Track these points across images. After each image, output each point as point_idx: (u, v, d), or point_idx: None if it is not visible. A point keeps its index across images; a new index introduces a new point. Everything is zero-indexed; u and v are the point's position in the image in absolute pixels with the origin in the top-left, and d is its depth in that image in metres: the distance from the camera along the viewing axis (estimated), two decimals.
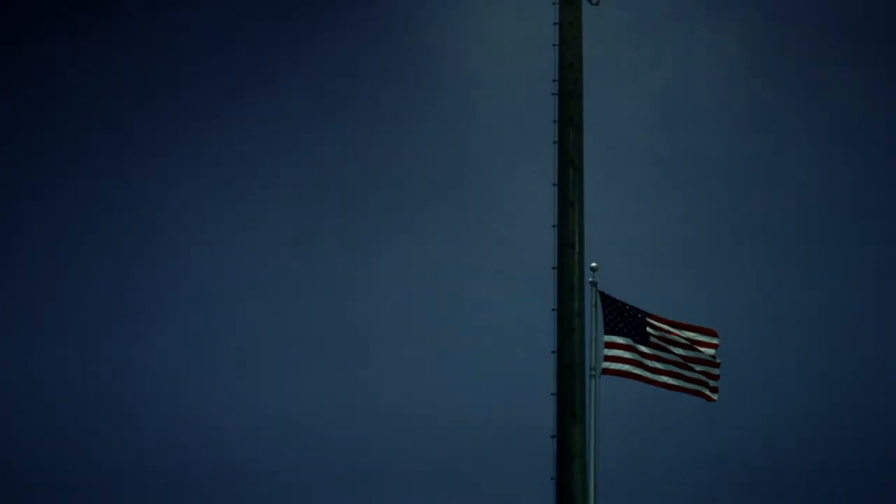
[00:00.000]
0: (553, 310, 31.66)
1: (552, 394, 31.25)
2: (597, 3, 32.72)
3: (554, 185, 32.17)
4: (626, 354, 31.54)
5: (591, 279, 31.72)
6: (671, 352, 31.60)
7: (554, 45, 32.57)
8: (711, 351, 31.88)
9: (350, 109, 50.96)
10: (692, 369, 31.63)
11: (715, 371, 31.76)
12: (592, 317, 31.57)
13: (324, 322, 48.58)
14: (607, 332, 31.54)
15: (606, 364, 31.42)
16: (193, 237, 49.83)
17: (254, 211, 50.42)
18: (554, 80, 32.49)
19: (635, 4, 47.09)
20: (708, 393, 31.71)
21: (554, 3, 32.67)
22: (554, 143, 32.27)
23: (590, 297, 31.68)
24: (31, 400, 47.76)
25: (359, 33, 51.36)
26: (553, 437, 31.08)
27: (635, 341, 31.53)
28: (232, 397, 47.47)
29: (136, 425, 47.43)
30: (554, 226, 32.01)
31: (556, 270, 31.73)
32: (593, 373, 31.31)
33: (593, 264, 31.74)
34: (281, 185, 50.79)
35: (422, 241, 48.95)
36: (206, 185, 50.53)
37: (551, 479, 30.93)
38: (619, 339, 31.50)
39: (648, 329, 31.56)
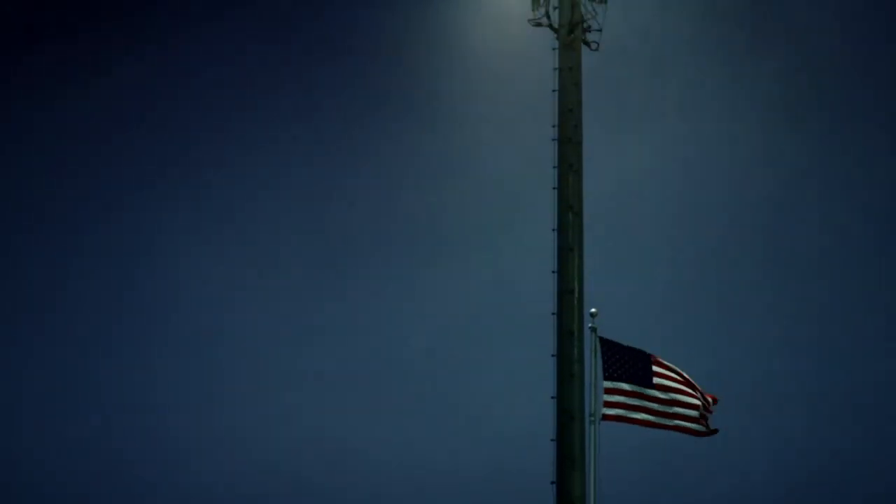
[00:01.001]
0: (552, 355, 31.61)
1: (552, 440, 31.17)
2: (596, 49, 32.81)
3: (553, 230, 32.18)
4: (626, 400, 31.42)
5: (590, 325, 31.66)
6: (672, 390, 31.52)
7: (553, 90, 32.65)
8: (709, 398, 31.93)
9: (352, 156, 51.20)
10: (692, 406, 31.56)
11: (708, 414, 31.77)
12: (592, 362, 31.51)
13: (331, 371, 48.70)
14: (607, 378, 31.43)
15: (606, 410, 31.29)
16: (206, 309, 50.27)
17: (259, 263, 50.64)
18: (553, 126, 32.55)
19: (636, 51, 47.21)
20: (703, 429, 31.67)
21: (553, 49, 32.76)
22: (553, 188, 32.29)
23: (589, 342, 31.61)
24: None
25: (361, 81, 51.61)
26: (552, 483, 30.99)
27: (636, 384, 31.42)
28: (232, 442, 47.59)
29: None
30: (554, 271, 32.00)
31: (555, 316, 31.69)
32: (593, 419, 31.19)
33: (593, 310, 31.68)
34: (285, 241, 50.99)
35: (422, 286, 49.03)
36: (218, 249, 50.93)
37: None
38: (619, 385, 31.39)
39: (653, 367, 31.48)
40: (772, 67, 51.05)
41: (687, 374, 31.92)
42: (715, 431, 31.87)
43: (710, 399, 31.91)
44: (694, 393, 31.64)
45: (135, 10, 53.31)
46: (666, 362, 31.75)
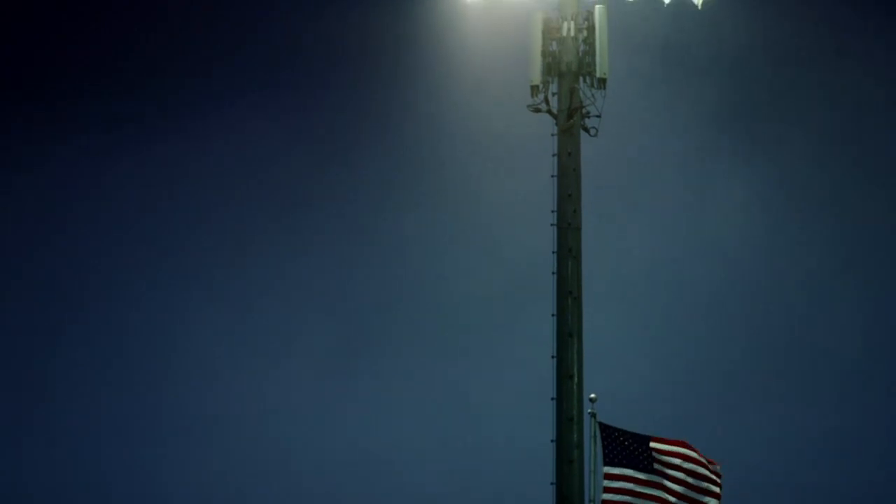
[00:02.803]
0: (552, 440, 31.50)
1: None
2: (595, 135, 32.94)
3: (553, 315, 32.18)
4: (626, 485, 31.25)
5: (589, 410, 31.56)
6: (673, 475, 31.37)
7: (552, 175, 32.75)
8: (714, 467, 31.71)
9: (365, 245, 51.48)
10: (695, 488, 31.38)
11: (716, 489, 31.57)
12: (591, 448, 31.36)
13: (340, 448, 48.74)
14: (606, 464, 31.26)
15: (606, 496, 31.09)
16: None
17: (279, 341, 50.80)
18: (553, 211, 32.63)
19: (635, 136, 47.44)
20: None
21: (552, 135, 32.89)
22: (553, 273, 32.33)
23: (589, 428, 31.49)
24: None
25: (375, 167, 51.90)
26: None
27: (637, 469, 31.26)
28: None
29: None
30: (553, 356, 31.97)
31: (555, 401, 31.61)
32: None
33: (592, 395, 31.58)
34: (304, 321, 51.14)
35: (422, 373, 49.06)
36: (235, 316, 51.08)
37: None
38: (619, 471, 31.22)
39: (653, 452, 31.32)
40: (772, 147, 51.40)
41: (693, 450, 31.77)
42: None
43: (716, 467, 31.69)
44: (698, 469, 31.45)
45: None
46: (667, 443, 31.56)
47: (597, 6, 33.08)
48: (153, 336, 51.15)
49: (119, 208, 52.90)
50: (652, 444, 31.44)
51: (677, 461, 31.49)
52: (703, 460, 31.63)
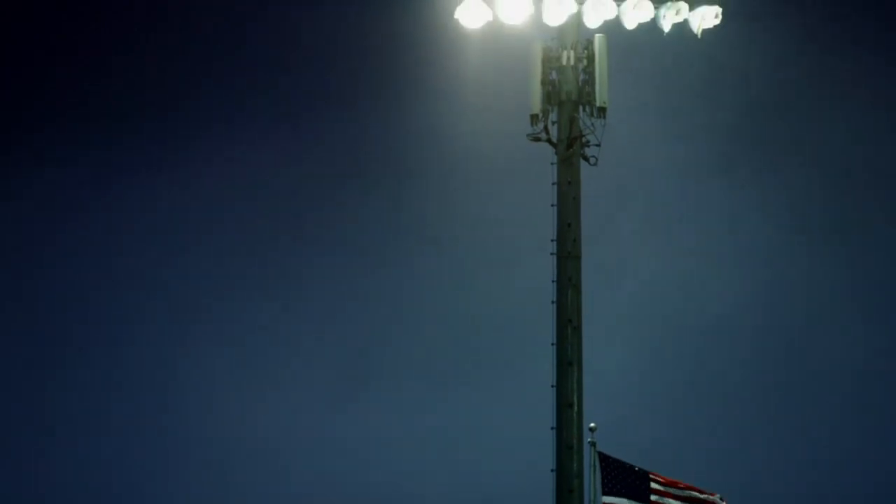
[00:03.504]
0: (552, 470, 31.42)
1: None
2: (595, 164, 32.92)
3: (553, 344, 32.12)
4: None
5: (589, 439, 31.52)
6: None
7: (552, 205, 32.72)
8: (714, 497, 31.66)
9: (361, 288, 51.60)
10: None
11: None
12: (591, 477, 31.31)
13: (340, 476, 48.74)
14: (605, 493, 31.22)
15: None
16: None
17: (281, 370, 50.91)
18: (552, 241, 32.60)
19: (636, 163, 47.52)
20: None
21: (552, 164, 32.88)
22: (552, 302, 32.28)
23: (589, 457, 31.45)
24: None
25: (377, 197, 52.02)
26: None
27: (635, 500, 31.21)
28: None
29: None
30: (553, 385, 31.91)
31: (554, 431, 31.54)
32: None
33: (592, 424, 31.55)
34: (306, 350, 51.22)
35: (421, 403, 49.08)
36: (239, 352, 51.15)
37: None
38: (618, 500, 31.18)
39: (652, 484, 31.27)
40: (774, 172, 51.43)
41: (692, 488, 31.71)
42: None
43: (716, 497, 31.63)
44: (698, 496, 31.39)
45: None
46: (666, 481, 31.52)
47: (596, 35, 33.11)
48: (154, 366, 51.24)
49: (119, 235, 53.02)
50: (651, 476, 31.41)
51: (676, 491, 31.44)
52: (704, 493, 31.58)
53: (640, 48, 33.90)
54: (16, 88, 54.06)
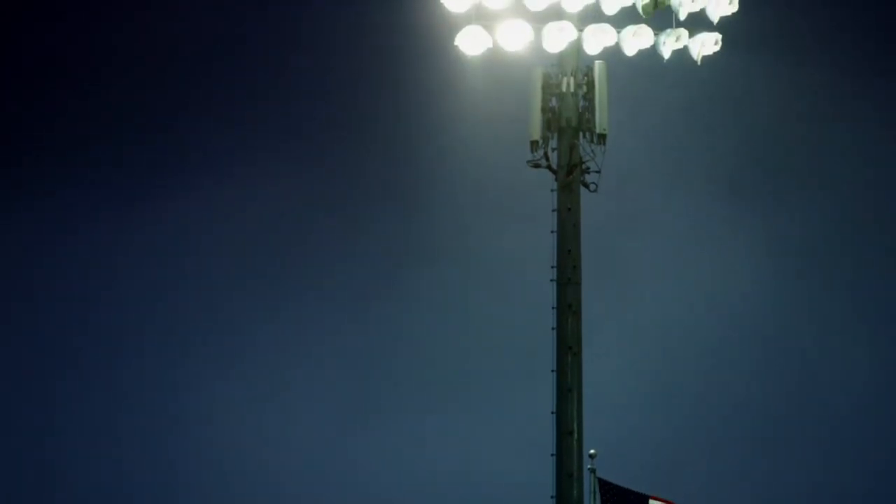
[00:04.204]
0: (552, 497, 31.37)
1: None
2: (595, 191, 32.94)
3: (552, 371, 32.09)
4: None
5: (589, 466, 31.48)
6: None
7: (552, 231, 32.73)
8: None
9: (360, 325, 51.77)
10: None
11: None
12: None
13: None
14: None
15: None
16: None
17: (288, 397, 51.01)
18: (552, 267, 32.58)
19: (637, 191, 47.57)
20: None
21: (552, 191, 32.89)
22: (552, 329, 32.25)
23: (589, 484, 31.40)
24: None
25: (376, 240, 52.14)
26: None
27: None
28: None
29: None
30: (553, 412, 31.86)
31: (554, 457, 31.49)
32: None
33: (591, 451, 31.51)
34: (310, 378, 51.28)
35: (420, 429, 49.09)
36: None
37: None
38: None
39: None
40: (776, 201, 51.47)
41: None
42: None
43: None
44: None
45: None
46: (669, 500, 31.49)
47: (596, 62, 33.17)
48: (162, 394, 51.24)
49: (122, 251, 53.07)
50: (651, 499, 31.35)
51: None
52: None
53: (640, 74, 33.96)
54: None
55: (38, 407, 51.14)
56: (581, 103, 33.17)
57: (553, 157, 33.04)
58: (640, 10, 32.87)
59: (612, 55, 32.96)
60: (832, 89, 52.02)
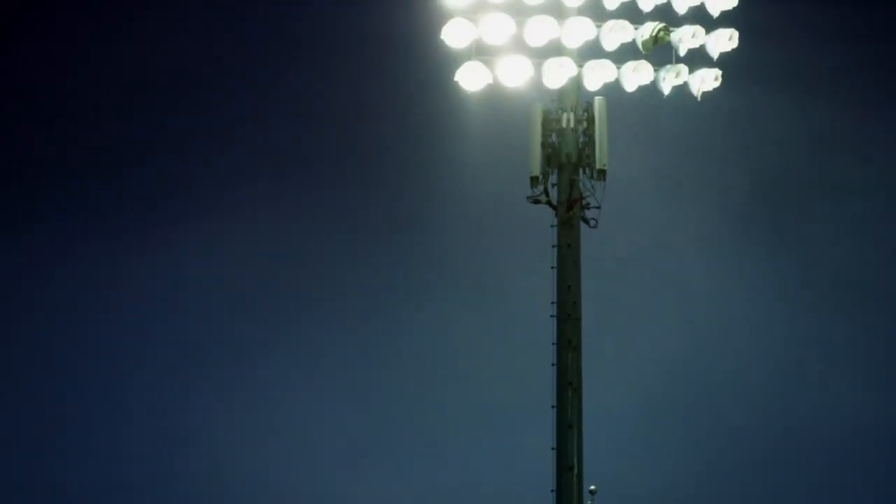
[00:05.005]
0: None
1: None
2: (595, 227, 32.93)
3: (553, 407, 32.02)
4: None
5: (589, 502, 31.40)
6: None
7: (552, 267, 32.70)
8: None
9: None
10: None
11: None
12: None
13: None
14: None
15: None
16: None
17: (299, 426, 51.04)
18: (552, 303, 32.55)
19: (639, 225, 47.58)
20: None
21: (552, 226, 32.89)
22: (552, 364, 32.20)
23: None
24: None
25: (375, 274, 52.18)
26: None
27: None
28: None
29: None
30: (553, 447, 31.78)
31: (554, 493, 31.41)
32: None
33: (592, 487, 31.45)
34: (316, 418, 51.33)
35: (422, 464, 49.01)
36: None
37: None
38: None
39: None
40: (777, 245, 51.48)
41: None
42: None
43: None
44: None
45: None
46: None
47: (596, 98, 33.23)
48: (163, 429, 51.22)
49: (125, 299, 53.08)
50: None
51: None
52: None
53: (640, 110, 33.99)
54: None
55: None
56: (581, 139, 33.20)
57: (553, 192, 33.06)
58: (640, 47, 32.97)
59: (612, 91, 33.04)
60: (837, 123, 52.08)
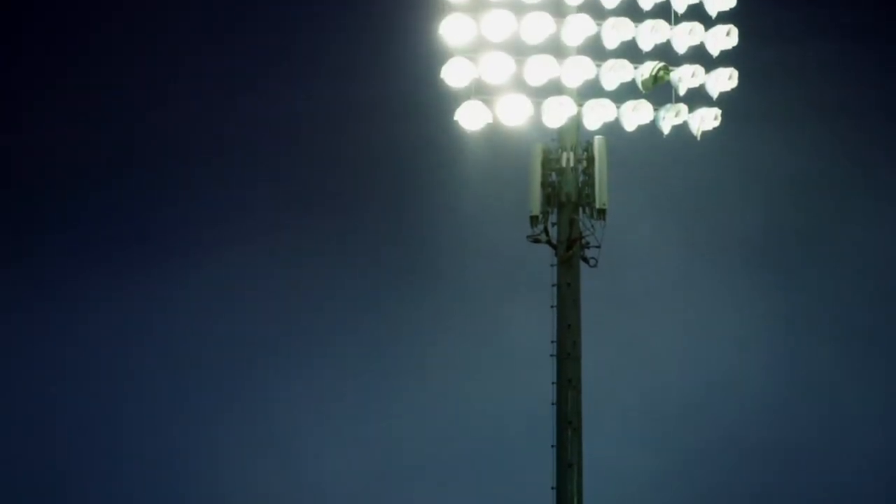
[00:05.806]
0: None
1: None
2: (594, 266, 32.93)
3: (552, 446, 31.95)
4: None
5: None
6: None
7: (552, 306, 32.68)
8: None
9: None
10: None
11: None
12: None
13: None
14: None
15: None
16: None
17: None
18: (552, 342, 32.52)
19: (637, 266, 47.59)
20: None
21: (552, 266, 32.89)
22: (552, 404, 32.15)
23: None
24: None
25: (374, 314, 52.18)
26: None
27: None
28: None
29: None
30: (553, 487, 31.69)
31: None
32: None
33: None
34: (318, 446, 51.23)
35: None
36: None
37: None
38: None
39: None
40: (779, 277, 51.47)
41: None
42: None
43: None
44: None
45: None
46: None
47: (596, 137, 33.27)
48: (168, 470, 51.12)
49: (130, 338, 53.07)
50: None
51: None
52: None
53: (639, 149, 34.03)
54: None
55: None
56: (581, 178, 33.24)
57: (553, 231, 33.08)
58: (640, 86, 33.01)
59: (612, 130, 33.07)
60: (841, 160, 52.12)
